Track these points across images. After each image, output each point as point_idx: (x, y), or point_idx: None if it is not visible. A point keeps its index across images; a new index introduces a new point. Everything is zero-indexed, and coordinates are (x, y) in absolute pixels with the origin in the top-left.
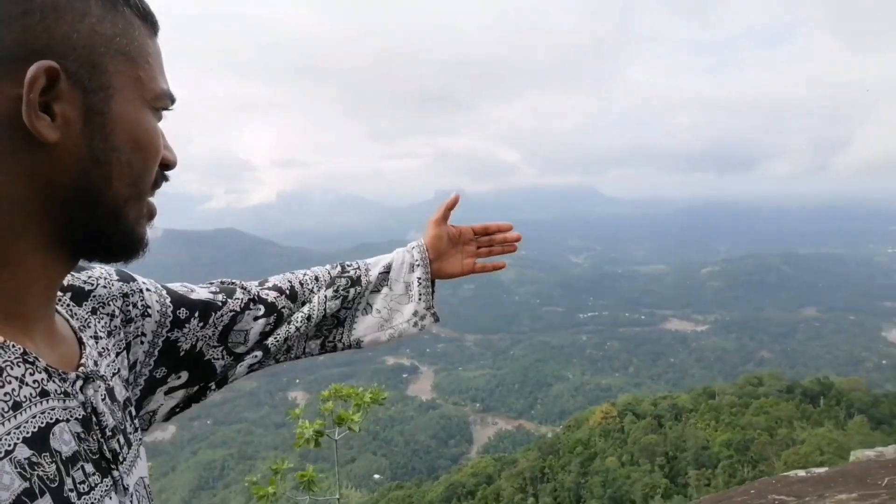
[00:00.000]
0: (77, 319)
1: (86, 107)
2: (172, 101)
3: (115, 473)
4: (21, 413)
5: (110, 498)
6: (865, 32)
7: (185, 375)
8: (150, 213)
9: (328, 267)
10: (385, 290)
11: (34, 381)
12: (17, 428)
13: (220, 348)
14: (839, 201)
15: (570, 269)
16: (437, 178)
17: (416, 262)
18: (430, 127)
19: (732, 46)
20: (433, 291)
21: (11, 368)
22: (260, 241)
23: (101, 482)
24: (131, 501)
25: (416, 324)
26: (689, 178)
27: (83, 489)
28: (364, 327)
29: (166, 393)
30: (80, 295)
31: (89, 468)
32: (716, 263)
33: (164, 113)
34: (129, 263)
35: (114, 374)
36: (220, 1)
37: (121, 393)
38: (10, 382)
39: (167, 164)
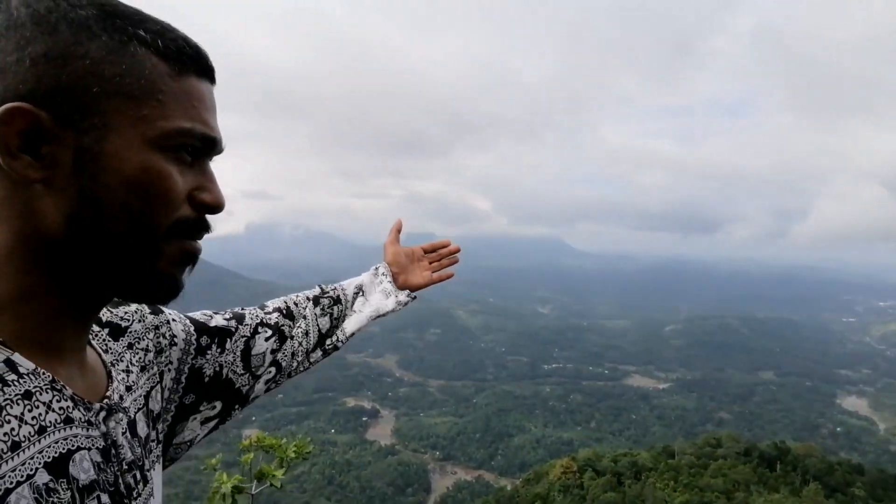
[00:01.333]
0: (111, 353)
1: (77, 146)
2: (200, 138)
3: None
4: (45, 437)
5: None
6: (821, 111)
7: (218, 405)
8: (185, 257)
9: (308, 291)
10: (360, 300)
11: (60, 408)
12: (41, 452)
13: (246, 375)
14: (796, 269)
15: (536, 319)
16: (407, 219)
17: (384, 274)
18: (403, 169)
19: (698, 113)
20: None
21: (40, 394)
22: (226, 272)
23: None
24: None
25: (399, 308)
26: (653, 236)
27: None
28: (353, 323)
29: (202, 423)
30: (117, 331)
31: (105, 499)
32: (678, 322)
33: None
34: (160, 305)
35: (138, 410)
36: (183, 16)
37: (143, 429)
38: (38, 407)
39: (206, 207)
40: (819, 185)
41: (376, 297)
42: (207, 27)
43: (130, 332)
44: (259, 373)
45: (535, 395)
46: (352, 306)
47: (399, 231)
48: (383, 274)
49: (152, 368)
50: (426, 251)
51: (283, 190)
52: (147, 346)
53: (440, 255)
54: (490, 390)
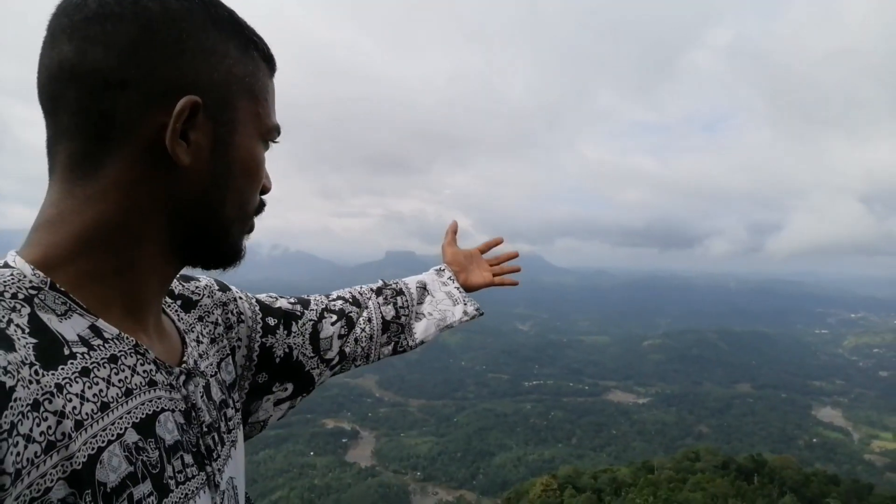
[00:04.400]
0: (183, 323)
1: (215, 136)
2: (279, 134)
3: (209, 469)
4: (132, 399)
5: (204, 492)
6: (798, 125)
7: (290, 387)
8: (250, 229)
9: (370, 284)
10: (428, 298)
11: (144, 371)
12: (129, 413)
13: (315, 358)
14: (771, 282)
15: (516, 336)
16: (387, 238)
17: (450, 277)
18: (382, 188)
19: (676, 129)
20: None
21: (126, 358)
22: None
23: (198, 475)
24: (221, 499)
25: (467, 320)
26: (632, 251)
27: (181, 479)
28: (422, 329)
29: (275, 404)
30: (188, 304)
31: (188, 459)
32: (656, 336)
33: None
34: (227, 271)
35: (212, 376)
36: None
37: (217, 394)
38: (123, 370)
39: (265, 190)
40: (796, 199)
41: (444, 302)
42: None
43: (201, 305)
44: (327, 357)
45: (516, 413)
46: (417, 302)
47: (455, 232)
48: (449, 278)
49: (222, 341)
50: (482, 251)
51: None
52: (216, 320)
53: (499, 258)
54: (471, 409)
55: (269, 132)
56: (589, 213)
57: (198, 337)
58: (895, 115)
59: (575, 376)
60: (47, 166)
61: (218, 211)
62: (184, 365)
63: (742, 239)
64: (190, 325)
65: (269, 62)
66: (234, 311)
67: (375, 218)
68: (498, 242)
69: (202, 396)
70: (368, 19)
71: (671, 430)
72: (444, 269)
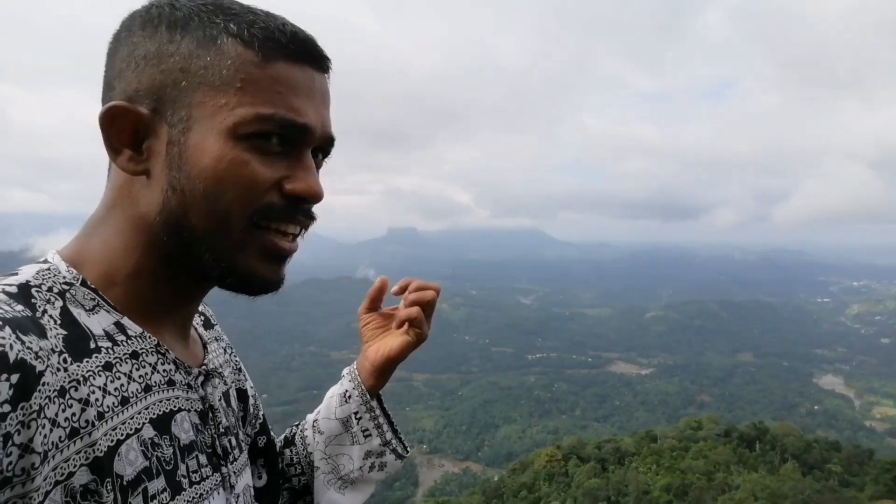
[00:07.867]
0: (205, 336)
1: (168, 139)
2: (282, 124)
3: (224, 470)
4: (151, 396)
5: (218, 493)
6: (809, 89)
7: (265, 477)
8: (267, 252)
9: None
10: (318, 436)
11: (164, 370)
12: (147, 409)
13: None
14: (774, 252)
15: (519, 309)
16: (388, 215)
17: (348, 393)
18: (382, 164)
19: (682, 97)
20: (387, 416)
21: (147, 355)
22: None
23: (212, 475)
24: (237, 501)
25: (374, 466)
26: (634, 223)
27: (195, 478)
28: (319, 493)
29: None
30: (207, 323)
31: (203, 459)
32: (659, 308)
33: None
34: (257, 297)
35: (228, 388)
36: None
37: (235, 404)
38: (144, 367)
39: (296, 197)
40: (805, 166)
41: (333, 428)
42: None
43: (216, 329)
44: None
45: (520, 386)
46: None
47: (376, 296)
48: (348, 394)
49: (234, 365)
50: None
51: None
52: (226, 347)
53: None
54: (475, 382)
55: (245, 123)
56: (591, 186)
57: (216, 349)
58: None
59: (578, 348)
60: None
61: (181, 220)
62: (203, 367)
63: (749, 208)
64: (209, 339)
65: (254, 47)
66: (236, 359)
67: (375, 195)
68: (383, 288)
69: (220, 399)
70: None
71: (674, 399)
72: (344, 377)
